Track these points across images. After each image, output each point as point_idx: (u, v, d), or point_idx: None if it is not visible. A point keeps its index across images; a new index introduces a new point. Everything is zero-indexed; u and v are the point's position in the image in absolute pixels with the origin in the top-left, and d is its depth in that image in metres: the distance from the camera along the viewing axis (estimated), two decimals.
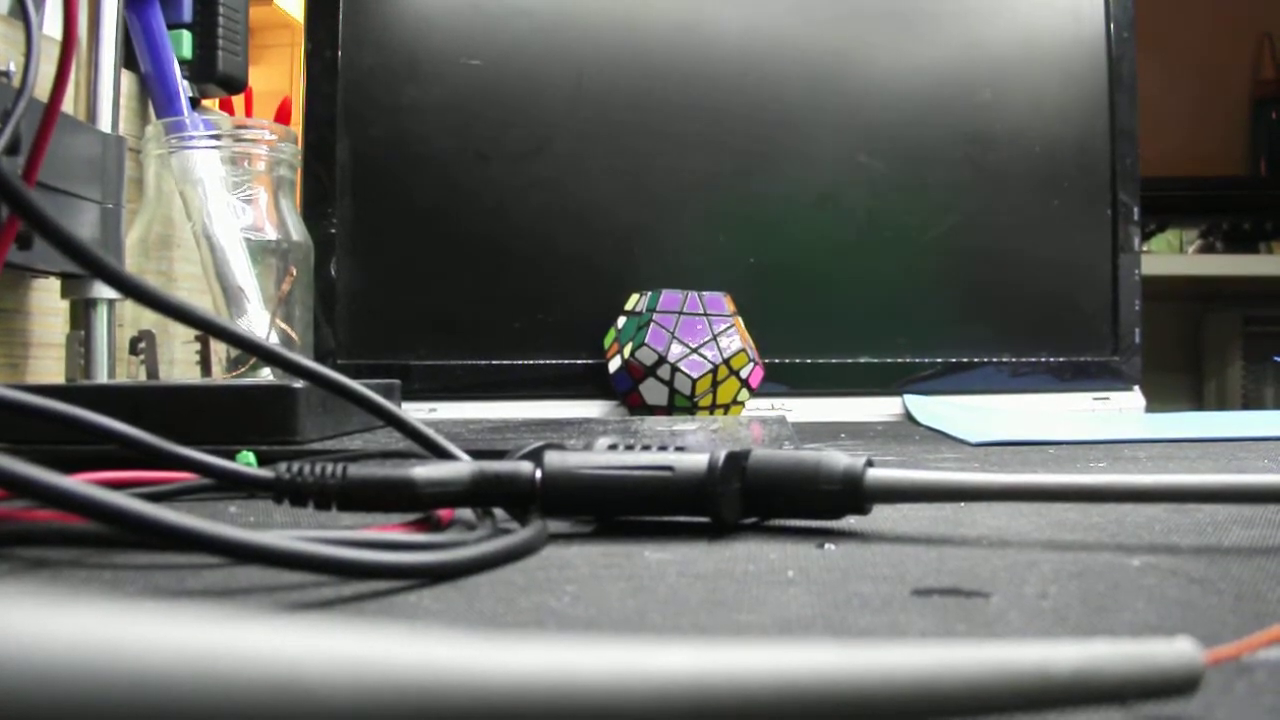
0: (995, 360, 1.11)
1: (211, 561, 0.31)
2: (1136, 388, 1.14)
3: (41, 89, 0.62)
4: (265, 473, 0.33)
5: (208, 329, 0.40)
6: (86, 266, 0.35)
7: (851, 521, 0.38)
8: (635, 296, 1.02)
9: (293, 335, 0.77)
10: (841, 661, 0.14)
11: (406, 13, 1.05)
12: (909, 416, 1.03)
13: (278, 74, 1.30)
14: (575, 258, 1.06)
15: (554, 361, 1.04)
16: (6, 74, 0.67)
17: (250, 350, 0.43)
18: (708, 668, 0.12)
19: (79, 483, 0.24)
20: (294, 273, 0.78)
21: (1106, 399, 1.13)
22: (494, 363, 1.03)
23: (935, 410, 0.98)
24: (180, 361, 0.76)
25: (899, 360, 1.10)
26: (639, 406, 0.99)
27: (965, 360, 1.11)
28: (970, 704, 0.15)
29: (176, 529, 0.25)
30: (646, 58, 1.08)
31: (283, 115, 1.05)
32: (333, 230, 1.01)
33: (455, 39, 1.05)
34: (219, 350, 0.73)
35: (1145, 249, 2.25)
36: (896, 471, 0.35)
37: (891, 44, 1.12)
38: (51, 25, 0.76)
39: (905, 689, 0.14)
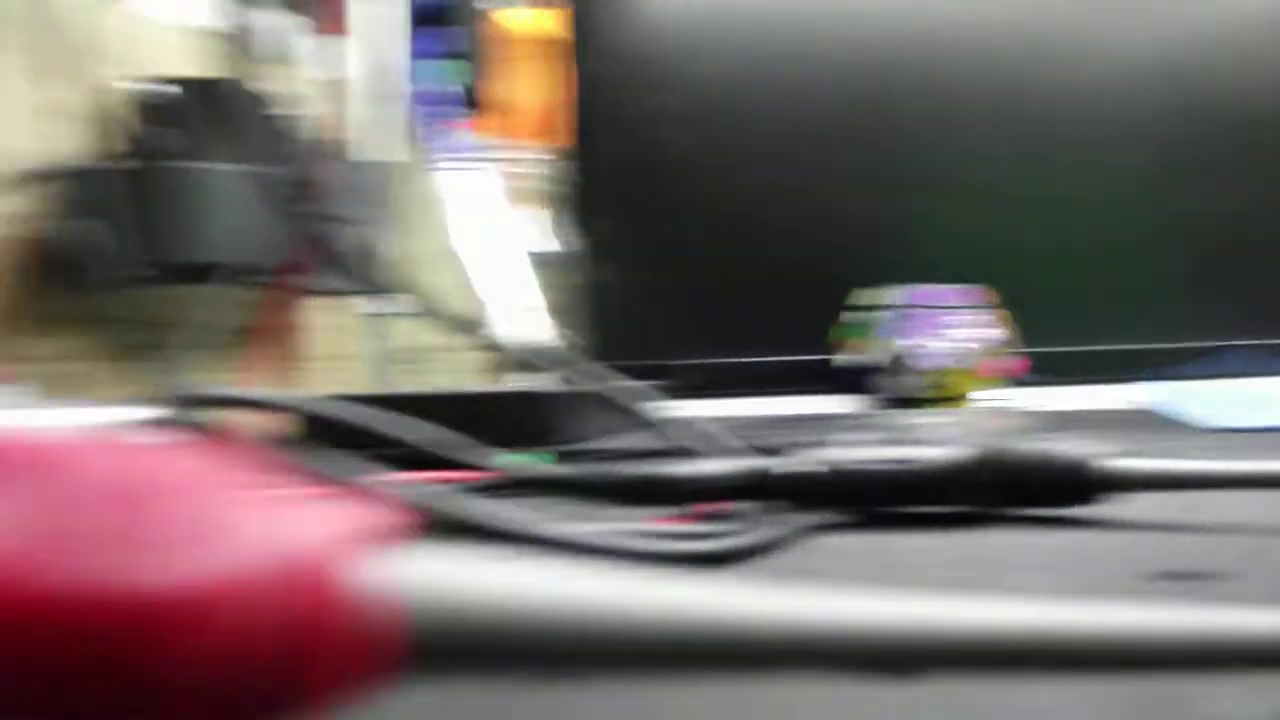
0: (1243, 343, 1.09)
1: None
2: None
3: (325, 124, 0.68)
4: (565, 470, 0.38)
5: (486, 340, 0.45)
6: (376, 286, 0.40)
7: (1090, 510, 0.39)
8: (874, 290, 1.03)
9: (560, 341, 0.83)
10: (1121, 618, 0.16)
11: (660, 23, 1.09)
12: (1152, 405, 1.02)
13: (535, 87, 1.35)
14: (819, 253, 1.08)
15: (795, 358, 1.07)
16: (299, 115, 0.74)
17: (525, 357, 0.47)
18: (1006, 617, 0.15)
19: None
20: (559, 280, 0.84)
21: None
22: (739, 360, 1.06)
23: (1178, 397, 0.97)
24: (441, 371, 0.82)
25: (1141, 347, 1.09)
26: (879, 401, 1.01)
27: (1210, 344, 1.09)
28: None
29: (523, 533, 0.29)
30: (889, 54, 1.09)
31: (540, 128, 1.10)
32: (592, 238, 1.06)
33: (707, 48, 1.08)
34: (480, 358, 0.78)
35: None
36: (1133, 460, 0.37)
37: (1137, 20, 1.11)
38: (334, 64, 0.83)
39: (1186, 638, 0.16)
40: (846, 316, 1.04)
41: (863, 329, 1.02)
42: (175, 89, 0.68)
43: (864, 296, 1.04)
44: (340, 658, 0.11)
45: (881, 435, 0.49)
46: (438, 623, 0.12)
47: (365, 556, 0.12)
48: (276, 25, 0.80)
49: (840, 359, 1.05)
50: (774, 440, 0.43)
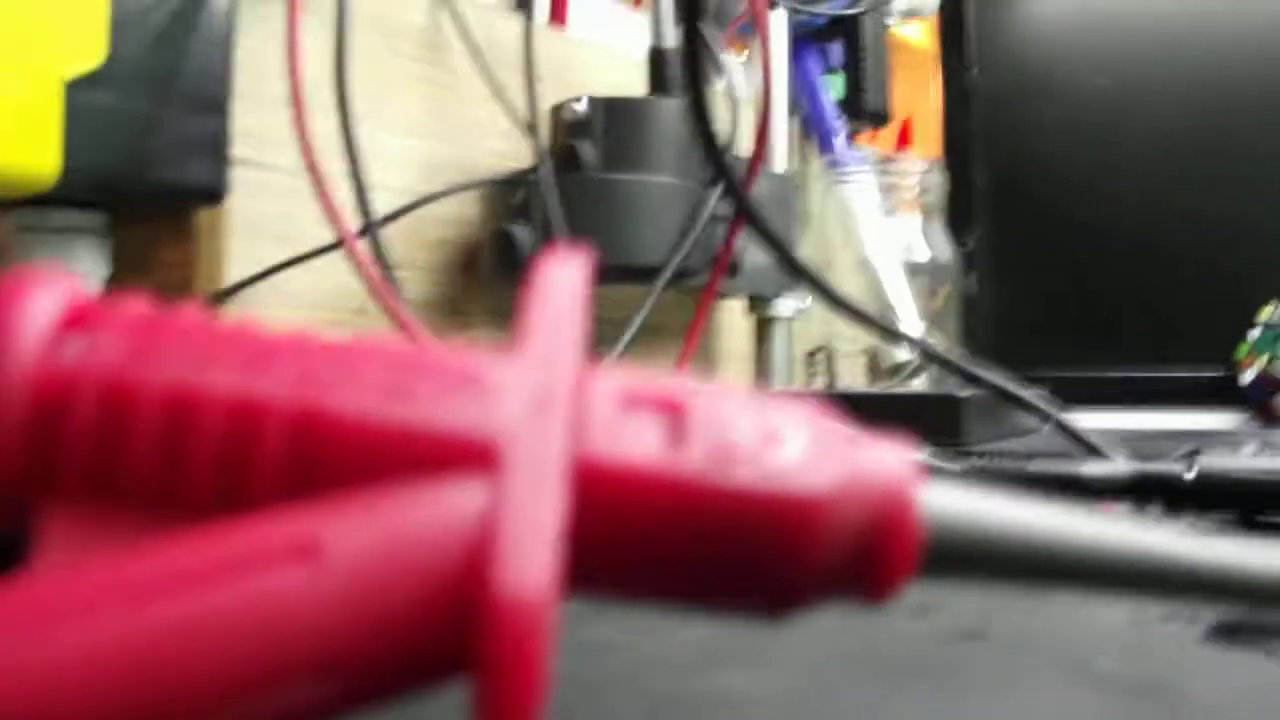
0: None
1: None
2: None
3: (736, 138, 0.75)
4: (970, 464, 0.42)
5: (896, 342, 0.49)
6: (784, 290, 0.45)
7: None
8: (1272, 306, 1.01)
9: (946, 348, 0.86)
10: None
11: (1038, 32, 1.10)
12: None
13: (916, 99, 1.38)
14: (1208, 268, 1.06)
15: (1183, 374, 1.06)
16: (715, 130, 0.80)
17: (941, 363, 0.52)
18: None
19: None
20: (944, 291, 0.87)
21: None
22: (1122, 374, 1.06)
23: None
24: (844, 373, 0.87)
25: None
26: (1274, 419, 0.99)
27: None
28: None
29: None
30: None
31: (921, 140, 1.14)
32: (973, 248, 1.08)
33: (1087, 57, 1.09)
34: (882, 360, 0.83)
35: None
36: None
37: None
38: (742, 81, 0.89)
39: None
40: (1251, 331, 1.02)
41: (1262, 344, 1.00)
42: (606, 106, 0.75)
43: (1263, 312, 1.02)
44: (902, 555, 0.16)
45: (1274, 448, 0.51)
46: (958, 539, 0.17)
47: (918, 482, 0.17)
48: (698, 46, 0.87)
49: (1237, 375, 1.03)
50: (1161, 449, 0.46)
